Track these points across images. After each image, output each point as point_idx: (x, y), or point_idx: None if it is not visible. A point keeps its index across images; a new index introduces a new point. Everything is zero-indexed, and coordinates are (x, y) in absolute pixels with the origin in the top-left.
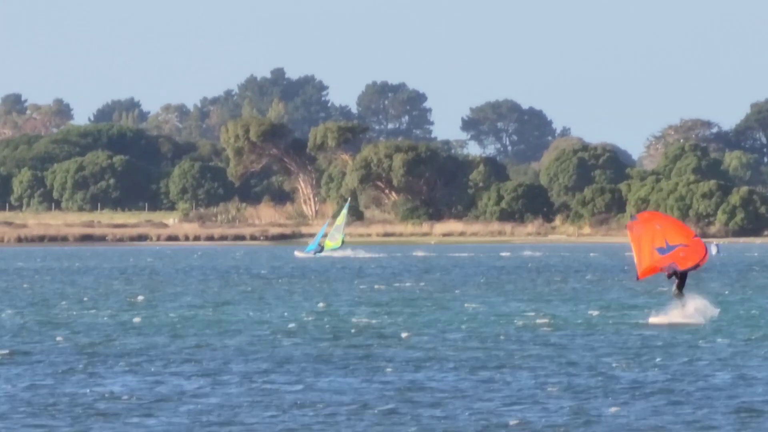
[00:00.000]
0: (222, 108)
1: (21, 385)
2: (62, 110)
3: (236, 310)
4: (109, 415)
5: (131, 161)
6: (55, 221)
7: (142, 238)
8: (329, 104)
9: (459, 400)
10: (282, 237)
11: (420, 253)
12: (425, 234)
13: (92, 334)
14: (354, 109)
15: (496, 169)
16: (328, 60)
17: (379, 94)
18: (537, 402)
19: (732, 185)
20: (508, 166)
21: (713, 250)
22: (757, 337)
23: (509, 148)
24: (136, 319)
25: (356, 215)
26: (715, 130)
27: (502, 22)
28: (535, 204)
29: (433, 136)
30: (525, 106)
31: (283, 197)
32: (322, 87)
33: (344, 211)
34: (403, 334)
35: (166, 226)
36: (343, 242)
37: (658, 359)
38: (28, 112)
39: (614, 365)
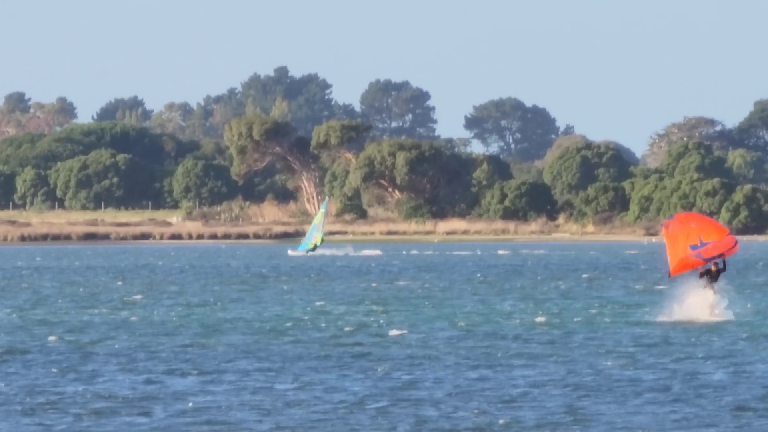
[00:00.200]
0: (225, 106)
1: (16, 383)
2: (65, 109)
3: (233, 309)
4: (104, 414)
5: (134, 160)
6: (58, 220)
7: (145, 236)
8: (333, 102)
9: (455, 398)
10: (285, 235)
11: (415, 252)
12: (429, 232)
13: (88, 333)
14: (357, 108)
15: (499, 168)
16: (332, 58)
17: (383, 92)
18: (533, 400)
19: (735, 183)
20: (511, 164)
21: None
22: (755, 334)
23: (512, 146)
24: (133, 318)
25: (360, 214)
26: (718, 128)
27: (505, 20)
28: (538, 202)
29: (436, 134)
30: (528, 104)
31: (286, 196)
32: (325, 85)
33: (322, 210)
34: (399, 332)
35: (169, 224)
36: (322, 241)
37: (655, 357)
38: (32, 110)
39: (610, 363)
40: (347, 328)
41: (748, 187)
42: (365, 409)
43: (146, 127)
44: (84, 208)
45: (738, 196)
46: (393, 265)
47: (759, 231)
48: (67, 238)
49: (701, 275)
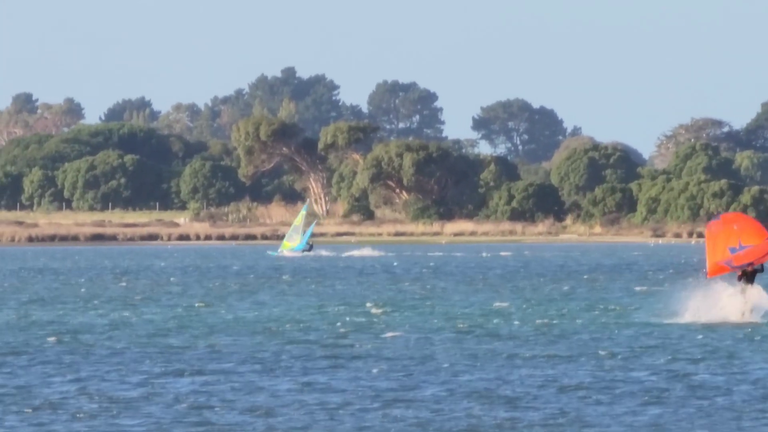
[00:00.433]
0: (233, 107)
1: (11, 384)
2: (73, 109)
3: (232, 309)
4: (103, 414)
5: (142, 160)
6: (65, 221)
7: (153, 237)
8: (340, 103)
9: (454, 399)
10: None
11: (408, 253)
12: (436, 233)
13: (88, 333)
14: (365, 109)
15: (506, 169)
16: (339, 59)
17: (390, 93)
18: (533, 400)
19: (743, 185)
20: (518, 165)
21: None
22: (751, 335)
23: (520, 147)
24: (133, 319)
25: (367, 215)
26: (726, 129)
27: (512, 21)
28: (545, 203)
29: (443, 135)
30: (536, 105)
31: (293, 197)
32: (332, 86)
33: (302, 212)
34: (396, 333)
35: (177, 225)
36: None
37: (655, 358)
38: (39, 111)
39: (610, 364)
40: (346, 329)
41: (755, 188)
42: (361, 409)
43: (154, 127)
44: (91, 209)
45: (745, 198)
46: (393, 265)
47: None
48: (75, 239)
49: (739, 278)
